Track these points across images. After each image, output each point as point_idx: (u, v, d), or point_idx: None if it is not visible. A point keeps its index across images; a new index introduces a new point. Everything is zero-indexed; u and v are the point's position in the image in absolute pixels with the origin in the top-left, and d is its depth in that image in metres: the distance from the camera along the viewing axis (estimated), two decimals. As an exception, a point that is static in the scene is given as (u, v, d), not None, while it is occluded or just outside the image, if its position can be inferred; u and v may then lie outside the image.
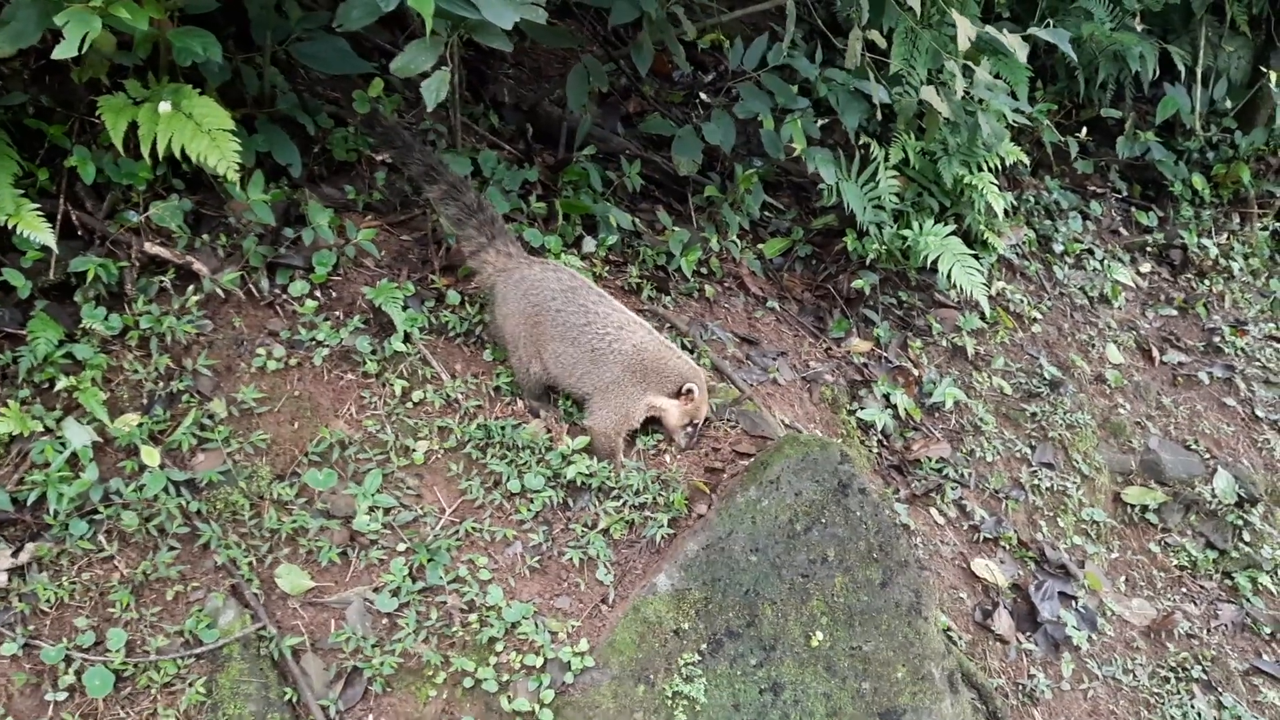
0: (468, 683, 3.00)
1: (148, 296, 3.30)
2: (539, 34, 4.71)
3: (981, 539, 4.54)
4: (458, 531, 3.31)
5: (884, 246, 5.12)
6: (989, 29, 4.26)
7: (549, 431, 3.62)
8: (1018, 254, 5.89)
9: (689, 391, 3.56)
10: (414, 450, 3.45)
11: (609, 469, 3.50)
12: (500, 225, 3.75)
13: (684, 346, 4.30)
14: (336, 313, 3.61)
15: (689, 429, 3.71)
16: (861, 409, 4.67)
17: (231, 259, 3.48)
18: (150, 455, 3.05)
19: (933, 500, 4.57)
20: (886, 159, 5.19)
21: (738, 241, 4.96)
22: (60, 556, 2.89)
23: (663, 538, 3.36)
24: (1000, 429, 5.01)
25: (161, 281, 3.33)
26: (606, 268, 4.48)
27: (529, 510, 3.41)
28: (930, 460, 4.70)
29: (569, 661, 3.05)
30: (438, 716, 2.97)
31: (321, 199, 3.82)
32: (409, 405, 3.55)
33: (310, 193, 3.78)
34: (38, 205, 2.95)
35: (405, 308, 3.65)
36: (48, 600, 2.84)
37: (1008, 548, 4.56)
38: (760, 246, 5.28)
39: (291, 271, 3.58)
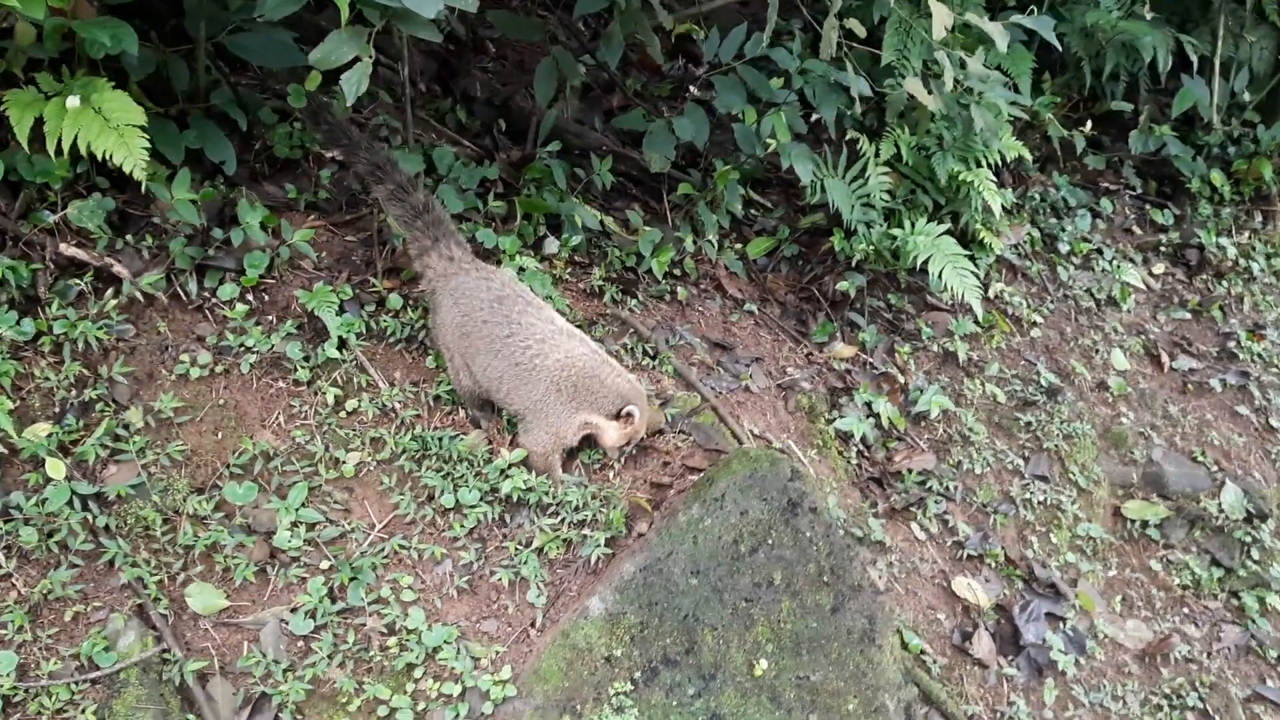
0: (382, 711, 2.84)
1: (64, 300, 3.16)
2: (505, 25, 4.54)
3: (965, 556, 4.29)
4: (384, 549, 3.15)
5: (872, 247, 4.89)
6: (969, 15, 4.01)
7: (490, 443, 3.44)
8: (1019, 254, 5.62)
9: (629, 415, 3.36)
10: (344, 462, 3.29)
11: (548, 484, 3.32)
12: (447, 227, 3.57)
13: (645, 352, 4.11)
14: (270, 317, 3.46)
15: (627, 446, 3.53)
16: (840, 418, 4.44)
17: (157, 261, 3.33)
18: (55, 468, 2.91)
19: (913, 515, 4.33)
20: (877, 154, 4.96)
21: (714, 242, 4.75)
22: (-41, 574, 2.77)
23: (599, 558, 3.17)
24: (991, 439, 4.75)
25: (79, 284, 3.19)
26: (569, 269, 4.29)
27: (462, 526, 3.24)
28: (912, 472, 4.46)
29: (489, 690, 2.87)
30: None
31: (262, 197, 3.67)
32: (342, 415, 3.38)
33: (248, 191, 3.62)
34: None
35: (342, 312, 3.49)
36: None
37: (993, 565, 4.31)
38: (743, 247, 5.07)
39: (222, 274, 3.43)
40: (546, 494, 3.29)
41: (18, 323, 3.07)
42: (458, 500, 3.26)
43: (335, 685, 2.86)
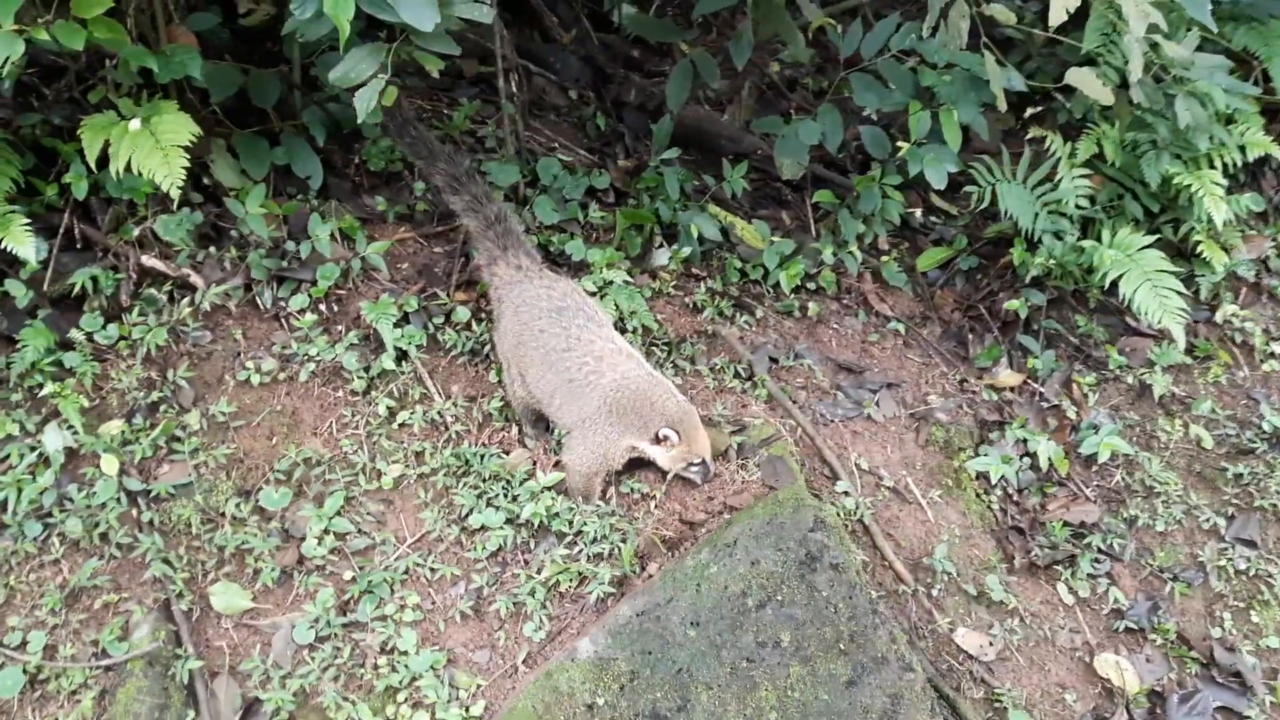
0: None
1: (146, 307, 3.40)
2: (639, 26, 4.39)
3: (1122, 628, 3.62)
4: (405, 565, 3.11)
5: (1054, 261, 4.26)
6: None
7: (533, 463, 3.32)
8: (1262, 271, 4.68)
9: (665, 438, 3.11)
10: (385, 474, 3.29)
11: (573, 510, 3.15)
12: (517, 238, 3.50)
13: (737, 374, 3.81)
14: (339, 327, 3.54)
15: (695, 469, 3.26)
16: (980, 456, 3.89)
17: (237, 271, 3.51)
18: (109, 464, 3.13)
19: (1059, 574, 3.72)
20: (1072, 155, 4.33)
21: (855, 254, 4.32)
22: (12, 556, 3.03)
23: (601, 596, 2.95)
24: (1186, 492, 3.99)
25: (160, 293, 3.41)
26: (678, 282, 4.07)
27: (484, 549, 3.14)
28: (1067, 525, 3.83)
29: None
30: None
31: (358, 210, 3.77)
32: (392, 426, 3.40)
33: (336, 205, 3.74)
34: (28, 220, 3.11)
35: (405, 323, 3.52)
36: (-3, 595, 2.99)
37: (1159, 643, 3.61)
38: (912, 258, 4.60)
39: (296, 284, 3.55)
40: (571, 521, 3.12)
41: (103, 327, 3.34)
42: (484, 521, 3.17)
43: (323, 700, 2.86)
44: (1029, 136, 4.37)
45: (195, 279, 3.42)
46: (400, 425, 3.40)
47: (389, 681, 2.86)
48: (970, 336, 4.42)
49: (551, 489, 3.20)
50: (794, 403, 3.86)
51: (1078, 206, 4.37)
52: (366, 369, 3.45)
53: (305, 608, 3.03)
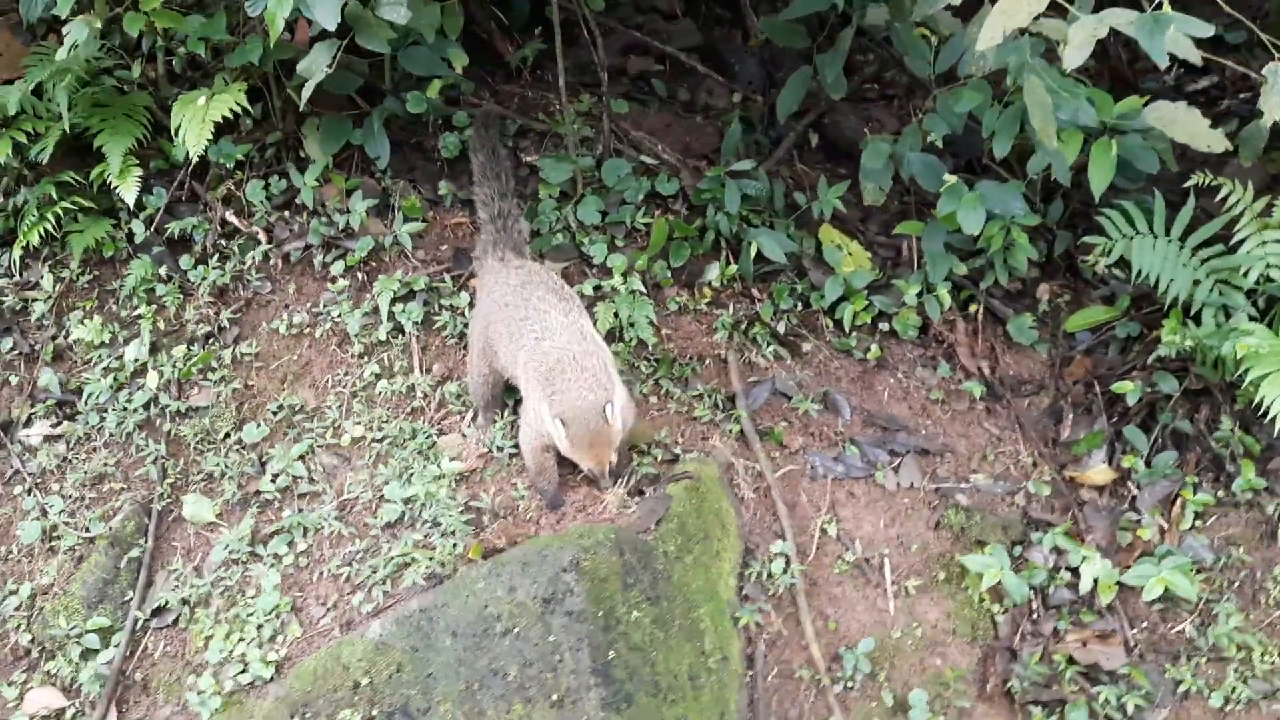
0: (214, 648, 3.17)
1: (222, 255, 4.00)
2: (772, 30, 4.19)
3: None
4: (320, 518, 3.41)
5: (1200, 343, 3.43)
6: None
7: (458, 449, 3.45)
8: None
9: (559, 422, 3.05)
10: (346, 433, 3.61)
11: (434, 499, 3.24)
12: (515, 236, 3.64)
13: (717, 404, 3.57)
14: (365, 294, 3.88)
15: (586, 469, 3.19)
16: (983, 555, 3.28)
17: (303, 235, 3.99)
18: (151, 378, 3.78)
19: (1033, 716, 3.05)
20: (1269, 212, 3.47)
21: (944, 297, 3.77)
22: (74, 437, 3.80)
23: (416, 584, 3.02)
24: (1275, 670, 3.05)
25: (234, 245, 4.00)
26: (715, 299, 3.87)
27: (383, 519, 3.34)
28: (1075, 663, 3.12)
29: (252, 665, 3.02)
30: (191, 666, 3.22)
31: (429, 193, 4.09)
32: (372, 391, 3.69)
33: (413, 185, 4.08)
34: (141, 174, 3.85)
35: (410, 300, 3.78)
36: (54, 464, 3.77)
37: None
38: (1038, 308, 3.92)
39: (343, 252, 3.95)
40: (435, 510, 3.23)
41: (194, 266, 4.00)
42: (389, 494, 3.37)
43: (201, 615, 3.28)
44: (1190, 183, 3.50)
45: (260, 235, 3.96)
46: (378, 391, 3.68)
47: (239, 611, 3.20)
48: (1070, 416, 3.68)
49: (442, 476, 3.32)
50: (784, 448, 3.54)
51: (1267, 279, 3.45)
52: (368, 336, 3.77)
53: (231, 532, 3.46)
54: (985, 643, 3.25)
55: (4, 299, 4.00)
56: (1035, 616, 3.28)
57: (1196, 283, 3.53)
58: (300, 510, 3.47)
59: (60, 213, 3.92)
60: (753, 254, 3.85)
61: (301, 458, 3.59)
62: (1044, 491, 3.50)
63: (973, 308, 3.92)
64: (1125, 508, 3.45)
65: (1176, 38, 2.49)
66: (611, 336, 3.69)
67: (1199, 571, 3.26)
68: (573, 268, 3.90)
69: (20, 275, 4.06)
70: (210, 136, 3.55)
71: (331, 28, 2.97)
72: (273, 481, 3.54)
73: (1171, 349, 3.44)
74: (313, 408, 3.71)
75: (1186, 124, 3.06)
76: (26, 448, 3.80)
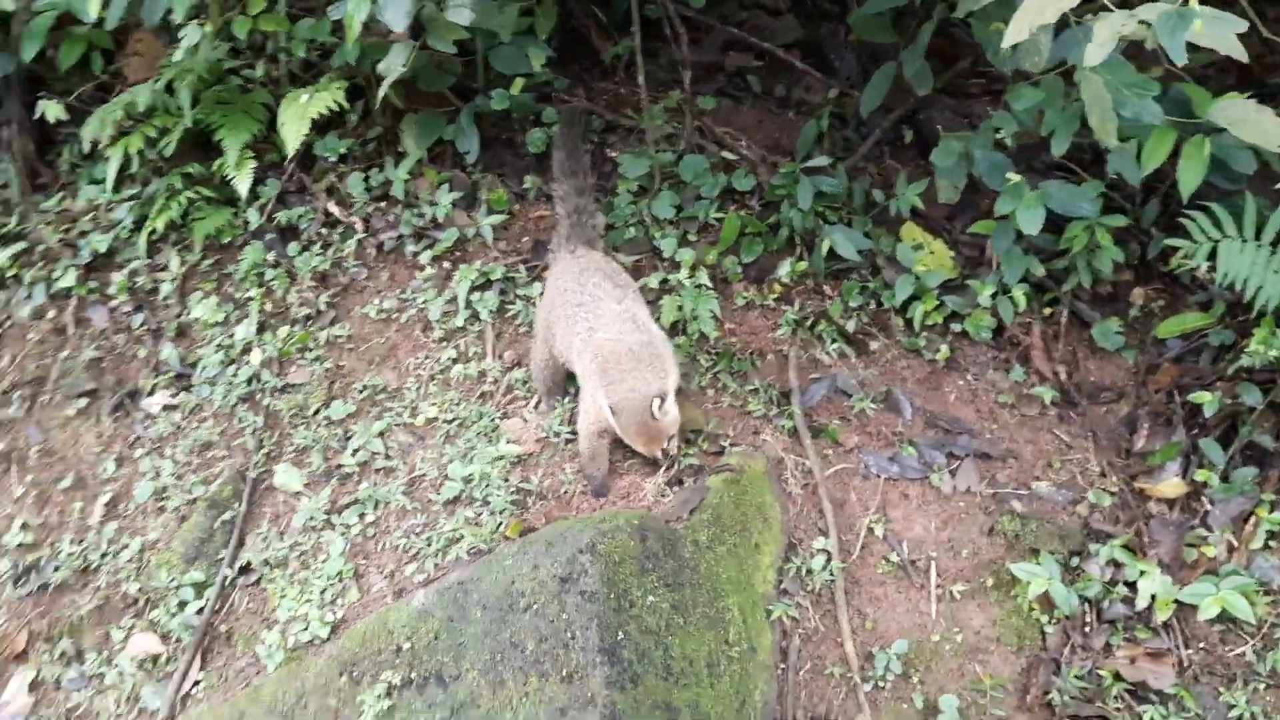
0: (285, 606, 3.43)
1: (325, 243, 4.27)
2: (862, 25, 4.17)
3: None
4: (391, 494, 3.62)
5: (1275, 354, 3.26)
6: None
7: (517, 433, 3.59)
8: None
9: (613, 410, 3.16)
10: (421, 413, 3.81)
11: (486, 481, 3.39)
12: (589, 232, 3.76)
13: (773, 400, 3.58)
14: (448, 283, 4.08)
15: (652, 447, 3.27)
16: (1030, 563, 3.19)
17: (397, 225, 4.22)
18: (255, 355, 4.09)
19: (1076, 731, 2.98)
20: None
21: (1018, 298, 3.68)
22: (189, 406, 4.14)
23: (460, 558, 3.18)
24: (1341, 699, 2.88)
25: (335, 233, 4.26)
26: (784, 295, 3.88)
27: (444, 495, 3.52)
28: (1121, 679, 3.02)
29: (312, 624, 3.25)
30: (267, 622, 3.49)
31: (516, 186, 4.25)
32: (448, 375, 3.88)
33: (501, 179, 4.25)
34: (256, 165, 4.16)
35: (486, 289, 3.95)
36: (169, 431, 4.12)
37: None
38: (1131, 312, 3.77)
39: (431, 241, 4.15)
40: (486, 490, 3.39)
41: (300, 253, 4.29)
42: (451, 472, 3.55)
43: (278, 576, 3.54)
44: (1281, 185, 3.29)
45: (357, 224, 4.21)
46: (453, 375, 3.87)
47: (309, 574, 3.44)
48: (1147, 426, 3.53)
49: (503, 458, 3.47)
50: (838, 446, 3.53)
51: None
52: (447, 322, 3.97)
53: (311, 502, 3.71)
54: (1031, 653, 3.17)
55: (138, 279, 4.40)
56: (1087, 630, 3.18)
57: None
58: (375, 484, 3.69)
59: (184, 201, 4.28)
60: (824, 251, 3.85)
61: (380, 435, 3.81)
62: (1106, 502, 3.37)
63: (1051, 310, 3.80)
64: (1195, 523, 3.29)
65: (1221, 34, 2.37)
66: (675, 329, 3.77)
67: (1267, 594, 3.09)
68: (644, 261, 3.99)
69: (151, 258, 4.46)
70: (306, 132, 3.81)
71: (400, 29, 3.15)
72: (353, 456, 3.78)
73: (1256, 359, 3.26)
74: (394, 388, 3.93)
75: (1258, 123, 2.88)
76: (148, 415, 4.17)
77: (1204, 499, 3.32)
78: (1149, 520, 3.33)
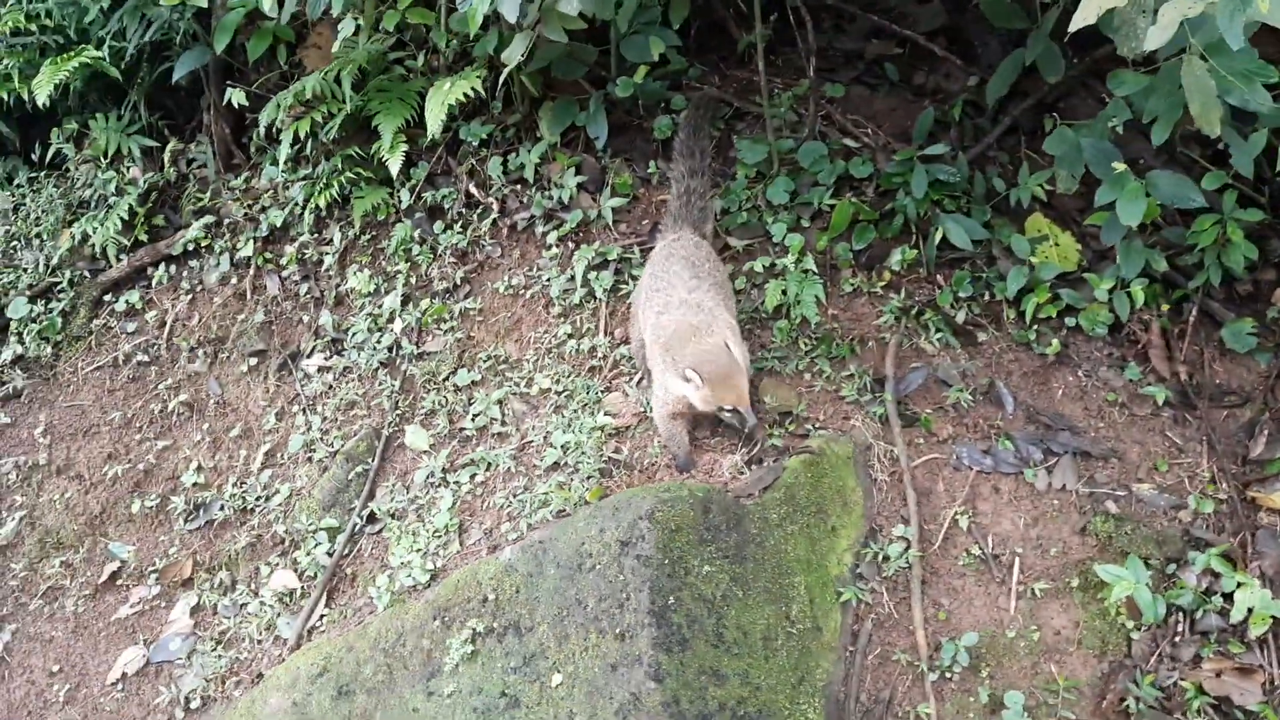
0: (404, 542, 3.74)
1: (465, 222, 4.56)
2: (990, 9, 4.10)
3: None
4: (499, 459, 3.86)
5: None
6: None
7: (618, 407, 3.75)
8: None
9: (688, 378, 3.22)
10: (536, 384, 4.04)
11: (581, 450, 3.56)
12: (696, 215, 3.85)
13: (867, 388, 3.58)
14: (571, 261, 4.27)
15: (728, 414, 3.31)
16: (1119, 567, 3.09)
17: (527, 206, 4.46)
18: (397, 325, 4.44)
19: (1141, 741, 2.88)
20: None
21: (1138, 293, 3.53)
22: (340, 369, 4.53)
23: (546, 519, 3.38)
24: None
25: (473, 213, 4.54)
26: (895, 282, 3.86)
27: (546, 461, 3.73)
28: (1205, 693, 2.89)
29: (415, 567, 3.54)
30: (383, 567, 3.81)
31: (643, 170, 4.41)
32: (563, 349, 4.09)
33: (629, 164, 4.42)
34: (408, 149, 4.50)
35: (603, 269, 4.13)
36: (322, 390, 4.52)
37: None
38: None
39: (559, 223, 4.37)
40: (578, 459, 3.57)
41: (443, 231, 4.60)
42: (553, 440, 3.75)
43: (395, 526, 3.86)
44: None
45: (493, 205, 4.48)
46: (567, 349, 4.07)
47: (420, 526, 3.73)
48: (1266, 433, 3.32)
49: (600, 429, 3.64)
50: (932, 435, 3.51)
51: None
52: (565, 299, 4.17)
53: (433, 460, 4.01)
54: (1114, 659, 3.07)
55: (306, 251, 4.84)
56: (1177, 639, 3.05)
57: None
58: (489, 448, 3.95)
59: (344, 181, 4.68)
60: (937, 240, 3.81)
61: (499, 402, 4.07)
62: (1208, 508, 3.21)
63: (1179, 308, 3.62)
64: (1308, 538, 3.09)
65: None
66: (779, 313, 3.83)
67: (1379, 619, 2.88)
68: (755, 246, 4.06)
69: (320, 233, 4.90)
70: (444, 117, 4.09)
71: (512, 19, 3.35)
72: (473, 420, 4.06)
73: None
74: (515, 359, 4.18)
75: None
76: (306, 375, 4.60)
77: (1319, 512, 3.12)
78: (1256, 531, 3.15)
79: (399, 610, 3.48)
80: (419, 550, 3.68)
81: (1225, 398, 3.50)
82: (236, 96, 4.61)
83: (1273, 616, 2.92)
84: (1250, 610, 2.95)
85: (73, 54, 4.86)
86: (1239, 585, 2.98)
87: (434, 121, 4.11)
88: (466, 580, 3.34)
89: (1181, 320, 3.66)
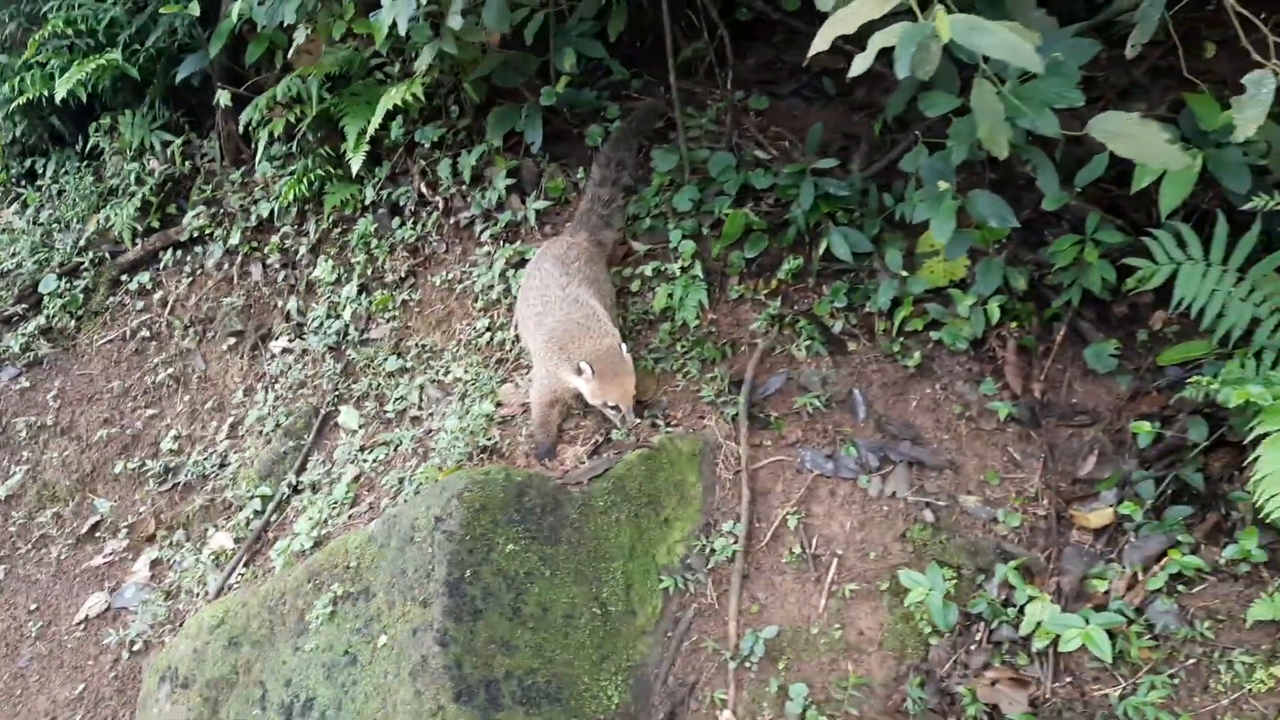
0: (303, 507, 4.10)
1: (417, 219, 4.89)
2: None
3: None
4: (405, 437, 4.18)
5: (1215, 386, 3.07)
6: None
7: (511, 396, 4.03)
8: None
9: (581, 371, 3.48)
10: (451, 371, 4.35)
11: (467, 431, 3.84)
12: (593, 220, 4.10)
13: (726, 388, 3.75)
14: (498, 257, 4.55)
15: (611, 410, 3.58)
16: (917, 573, 3.19)
17: (470, 206, 4.77)
18: (345, 313, 4.82)
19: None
20: None
21: (993, 309, 3.59)
22: (298, 350, 4.93)
23: (413, 495, 3.69)
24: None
25: (424, 211, 4.87)
26: (776, 290, 4.00)
27: (438, 444, 4.03)
28: (979, 700, 2.99)
29: (303, 534, 3.92)
30: (292, 534, 4.18)
31: (570, 174, 4.66)
32: (481, 340, 4.38)
33: (563, 167, 4.67)
34: (370, 149, 4.86)
35: (520, 267, 4.39)
36: (281, 370, 4.93)
37: None
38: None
39: (495, 222, 4.65)
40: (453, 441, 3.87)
41: (400, 227, 4.95)
42: (444, 425, 4.06)
43: (308, 498, 4.23)
44: (1248, 206, 3.01)
45: (439, 202, 4.80)
46: (483, 341, 4.36)
47: (324, 498, 4.10)
48: (1096, 452, 3.36)
49: (482, 416, 3.92)
50: (781, 439, 3.65)
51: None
52: (487, 295, 4.46)
53: (353, 439, 4.36)
54: (912, 661, 3.18)
55: (287, 241, 5.27)
56: (973, 647, 3.14)
57: (1256, 321, 3.05)
58: (403, 429, 4.28)
59: (316, 178, 5.07)
60: (822, 251, 3.94)
61: (420, 388, 4.39)
62: (1014, 522, 3.27)
63: (1038, 326, 3.67)
64: (1113, 556, 3.12)
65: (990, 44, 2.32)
66: (664, 316, 4.03)
67: (1152, 637, 2.90)
68: (656, 251, 4.26)
69: (301, 224, 5.32)
70: (379, 120, 4.42)
71: (401, 32, 3.65)
72: (395, 405, 4.39)
73: (1198, 392, 3.03)
74: (439, 349, 4.50)
75: (1138, 137, 2.68)
76: (272, 354, 5.03)
77: (1125, 530, 3.14)
78: (1065, 548, 3.20)
79: (285, 572, 3.83)
80: (313, 520, 4.04)
81: (1076, 417, 3.53)
82: (223, 98, 5.07)
83: (1057, 634, 2.98)
84: (1039, 624, 3.02)
85: (96, 55, 5.41)
86: (1030, 599, 3.06)
87: (373, 124, 4.46)
88: (338, 548, 3.67)
89: (1051, 338, 3.70)
